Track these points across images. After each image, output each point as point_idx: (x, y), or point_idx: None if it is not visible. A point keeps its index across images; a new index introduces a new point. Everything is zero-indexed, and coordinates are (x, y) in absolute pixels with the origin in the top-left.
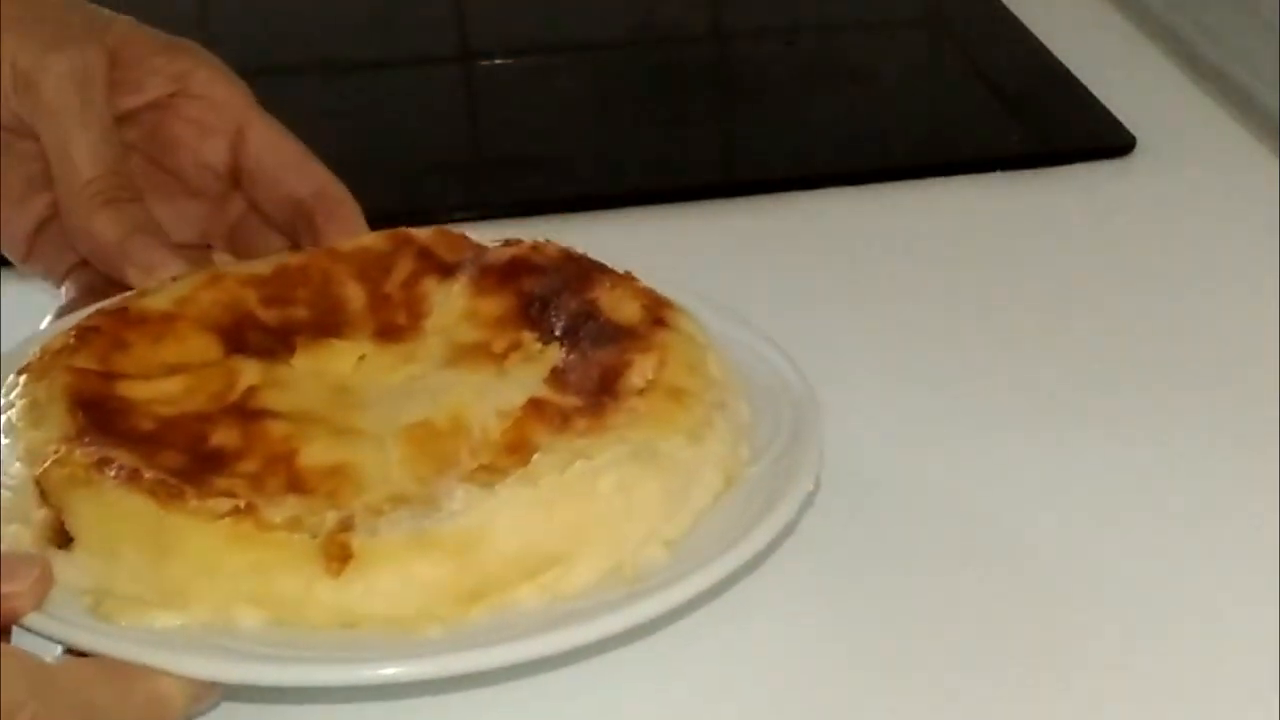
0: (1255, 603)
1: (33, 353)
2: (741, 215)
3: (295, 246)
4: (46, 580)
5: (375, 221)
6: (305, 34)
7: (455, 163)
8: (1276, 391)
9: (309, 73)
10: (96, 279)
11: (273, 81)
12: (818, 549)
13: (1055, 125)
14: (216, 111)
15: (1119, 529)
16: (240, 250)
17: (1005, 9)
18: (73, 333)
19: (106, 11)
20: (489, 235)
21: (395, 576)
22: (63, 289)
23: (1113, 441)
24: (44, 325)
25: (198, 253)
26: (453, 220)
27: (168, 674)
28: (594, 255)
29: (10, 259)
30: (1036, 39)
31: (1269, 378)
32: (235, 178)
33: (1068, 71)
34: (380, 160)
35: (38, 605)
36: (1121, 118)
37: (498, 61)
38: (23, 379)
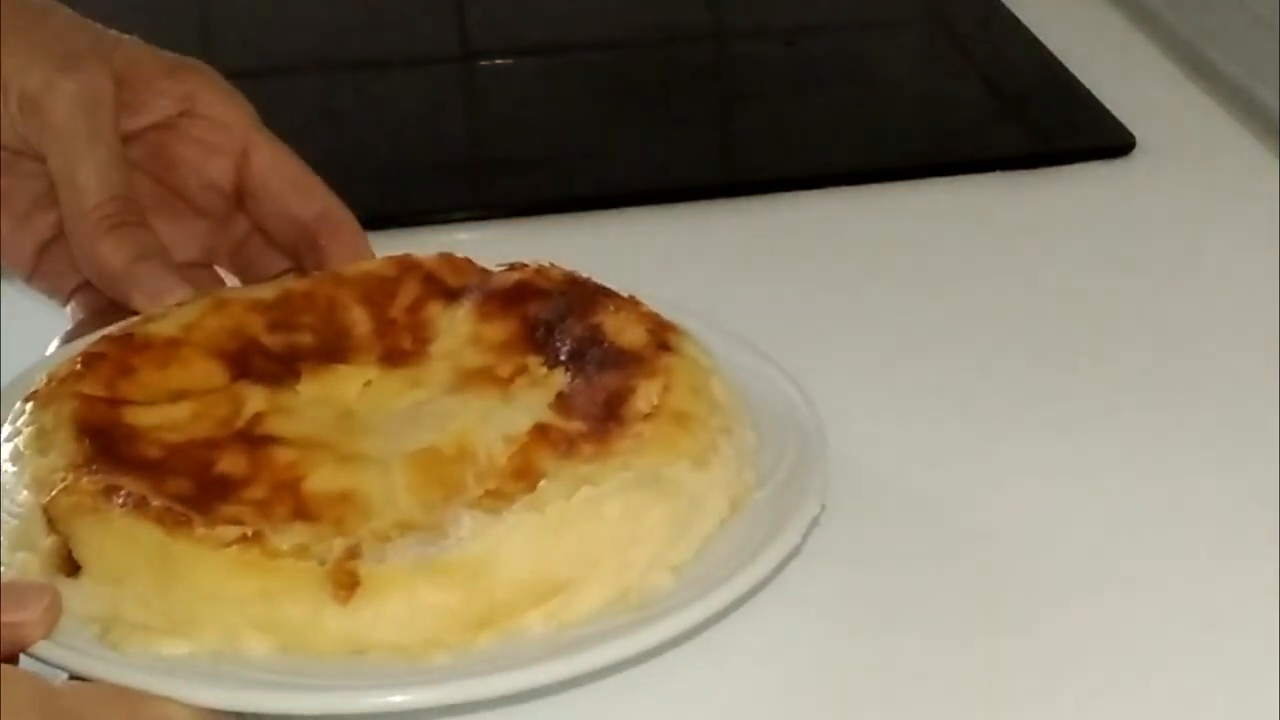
0: (1255, 603)
1: (39, 379)
2: (741, 215)
3: (298, 267)
4: (56, 609)
5: (375, 221)
6: (305, 34)
7: (455, 163)
8: (1276, 391)
9: (309, 73)
10: (103, 300)
11: (273, 81)
12: (824, 562)
13: (1055, 125)
14: (222, 132)
15: (1118, 529)
16: (243, 270)
17: (1005, 9)
18: (79, 359)
19: (112, 32)
20: (489, 235)
21: (403, 604)
22: (69, 309)
23: (1114, 442)
24: (51, 349)
25: (203, 272)
26: (452, 220)
27: (175, 701)
28: (594, 255)
29: (16, 277)
30: (1036, 39)
31: (1269, 377)
32: (239, 198)
33: (1068, 71)
34: (380, 160)
35: (47, 634)
36: (1121, 118)
37: (498, 61)
38: (29, 406)
